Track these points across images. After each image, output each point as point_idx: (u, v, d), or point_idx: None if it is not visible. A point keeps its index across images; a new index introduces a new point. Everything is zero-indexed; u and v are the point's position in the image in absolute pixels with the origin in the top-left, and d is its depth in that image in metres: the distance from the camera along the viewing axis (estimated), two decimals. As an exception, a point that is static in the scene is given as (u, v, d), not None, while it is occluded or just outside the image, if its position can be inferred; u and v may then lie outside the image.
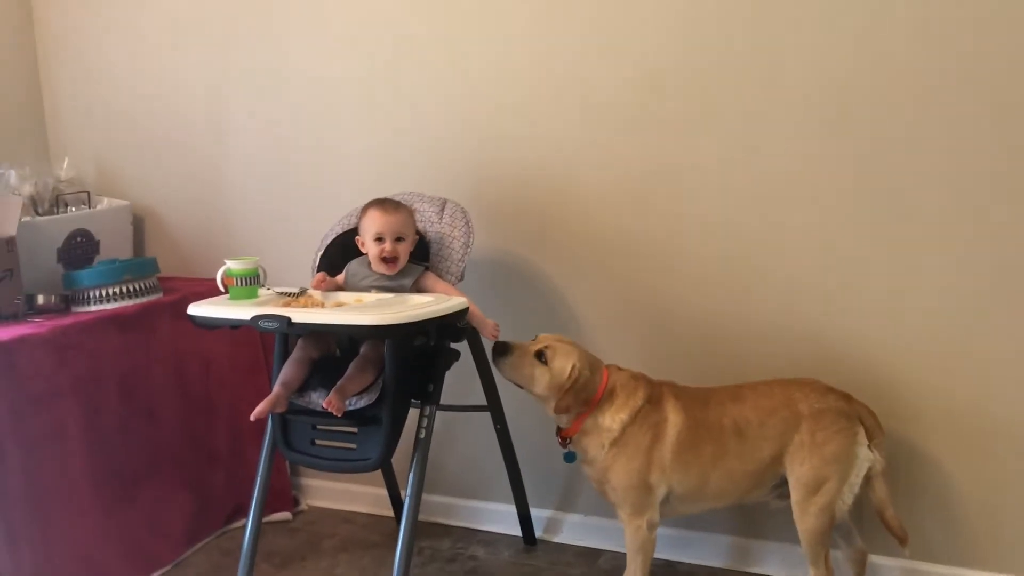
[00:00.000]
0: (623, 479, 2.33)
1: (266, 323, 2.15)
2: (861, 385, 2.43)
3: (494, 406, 2.70)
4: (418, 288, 2.41)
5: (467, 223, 2.54)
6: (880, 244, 2.44)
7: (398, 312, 2.14)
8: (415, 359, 2.34)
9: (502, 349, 2.36)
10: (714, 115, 2.54)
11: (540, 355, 2.34)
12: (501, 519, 2.99)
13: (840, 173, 2.45)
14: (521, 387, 2.39)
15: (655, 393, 2.37)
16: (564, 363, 2.32)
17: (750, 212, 2.55)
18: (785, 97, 2.46)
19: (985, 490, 2.45)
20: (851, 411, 2.32)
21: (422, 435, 2.33)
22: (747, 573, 2.69)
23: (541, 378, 2.34)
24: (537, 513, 2.93)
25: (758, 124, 2.50)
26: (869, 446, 2.31)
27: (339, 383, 2.23)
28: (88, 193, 3.15)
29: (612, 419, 2.33)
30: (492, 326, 2.40)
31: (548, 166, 2.74)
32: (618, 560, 2.44)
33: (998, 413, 2.40)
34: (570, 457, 2.43)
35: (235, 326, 2.23)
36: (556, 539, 2.94)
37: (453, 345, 2.44)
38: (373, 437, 2.27)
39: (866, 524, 2.45)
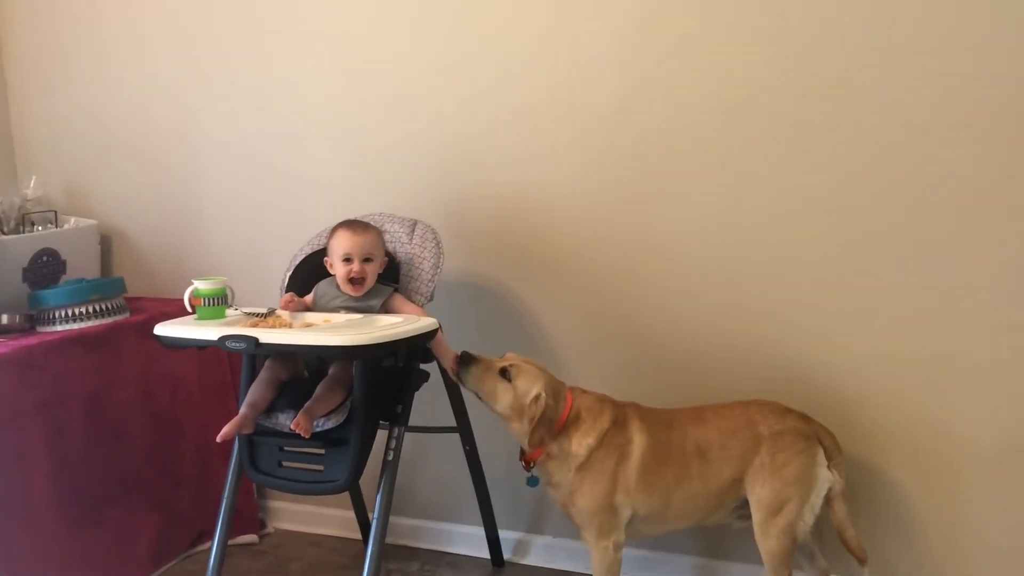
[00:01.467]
0: (589, 503, 2.33)
1: (233, 343, 2.14)
2: (820, 406, 2.46)
3: (463, 428, 2.70)
4: (386, 309, 2.40)
5: (437, 244, 2.55)
6: (842, 268, 2.48)
7: (367, 333, 2.14)
8: (384, 380, 2.34)
9: (467, 360, 2.37)
10: (686, 145, 2.57)
11: (505, 372, 2.34)
12: (469, 541, 2.98)
13: (805, 199, 2.48)
14: (482, 400, 2.40)
15: (620, 415, 2.38)
16: (528, 385, 2.32)
17: (717, 237, 2.58)
18: (755, 128, 2.50)
19: (944, 509, 2.48)
20: (810, 432, 2.35)
21: (390, 457, 2.32)
22: (714, 594, 2.70)
23: (504, 395, 2.33)
24: (506, 535, 2.93)
25: (727, 153, 2.54)
26: (829, 466, 2.34)
27: (307, 404, 2.23)
28: (55, 212, 3.13)
29: (578, 444, 2.33)
30: (453, 359, 2.39)
31: (520, 189, 2.76)
32: (586, 582, 2.44)
33: (956, 433, 2.44)
34: (533, 482, 2.43)
35: (202, 346, 2.22)
36: (525, 561, 2.94)
37: (422, 366, 2.44)
38: (341, 459, 2.26)
39: (827, 544, 2.47)
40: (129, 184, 3.28)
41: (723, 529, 2.52)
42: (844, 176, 2.44)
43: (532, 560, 2.93)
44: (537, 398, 2.30)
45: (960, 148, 2.33)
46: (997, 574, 2.45)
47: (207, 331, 2.21)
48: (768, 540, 2.32)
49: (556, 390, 2.35)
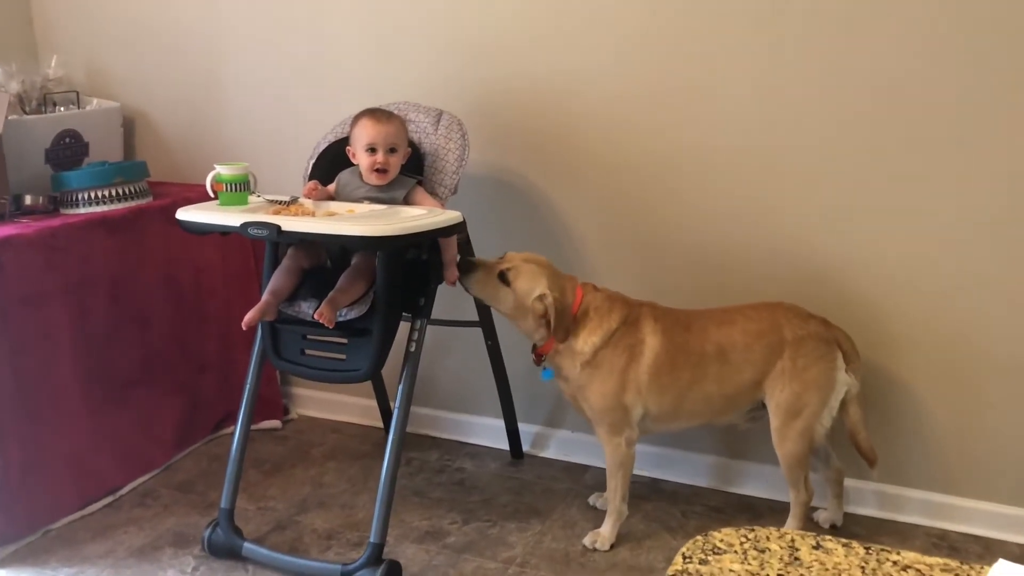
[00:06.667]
0: (599, 401, 2.34)
1: (256, 230, 2.12)
2: (840, 311, 2.44)
3: (485, 322, 2.70)
4: (408, 202, 2.37)
5: (463, 136, 2.49)
6: (869, 175, 2.42)
7: (391, 224, 2.11)
8: (407, 272, 2.33)
9: (467, 267, 2.35)
10: (722, 39, 2.48)
11: (503, 276, 2.32)
12: (489, 433, 3.02)
13: (841, 100, 2.41)
14: (487, 303, 2.39)
15: (632, 314, 2.36)
16: (528, 285, 2.31)
17: (749, 135, 2.51)
18: (792, 26, 2.41)
19: (959, 417, 2.48)
20: (830, 337, 2.34)
21: (412, 348, 2.33)
22: (730, 493, 2.73)
23: (505, 298, 2.33)
24: (525, 428, 2.96)
25: (764, 50, 2.45)
26: (846, 370, 2.33)
27: (330, 295, 2.22)
28: (77, 93, 3.08)
29: (584, 342, 2.33)
30: (454, 272, 2.35)
31: (549, 81, 2.69)
32: (603, 476, 2.47)
33: (974, 341, 2.42)
34: (547, 373, 2.46)
35: (225, 232, 2.21)
36: (543, 454, 2.98)
37: (446, 259, 2.42)
38: (363, 349, 2.27)
39: (840, 446, 2.47)
40: (153, 65, 3.22)
41: (740, 429, 2.53)
42: (880, 78, 2.35)
43: (550, 453, 2.97)
44: (542, 297, 2.29)
45: (997, 56, 2.23)
46: (1006, 483, 2.46)
47: (229, 217, 2.19)
48: (786, 443, 2.33)
49: (561, 286, 2.33)
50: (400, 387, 2.31)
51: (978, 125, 2.30)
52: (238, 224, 2.14)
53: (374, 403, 3.03)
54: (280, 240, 2.22)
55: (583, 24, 2.61)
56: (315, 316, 2.18)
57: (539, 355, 2.40)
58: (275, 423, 3.18)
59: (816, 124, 2.44)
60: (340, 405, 3.23)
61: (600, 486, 2.63)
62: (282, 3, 2.97)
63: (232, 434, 2.49)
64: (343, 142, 2.48)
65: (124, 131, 3.19)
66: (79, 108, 3.05)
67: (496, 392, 2.84)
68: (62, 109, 3.00)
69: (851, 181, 2.44)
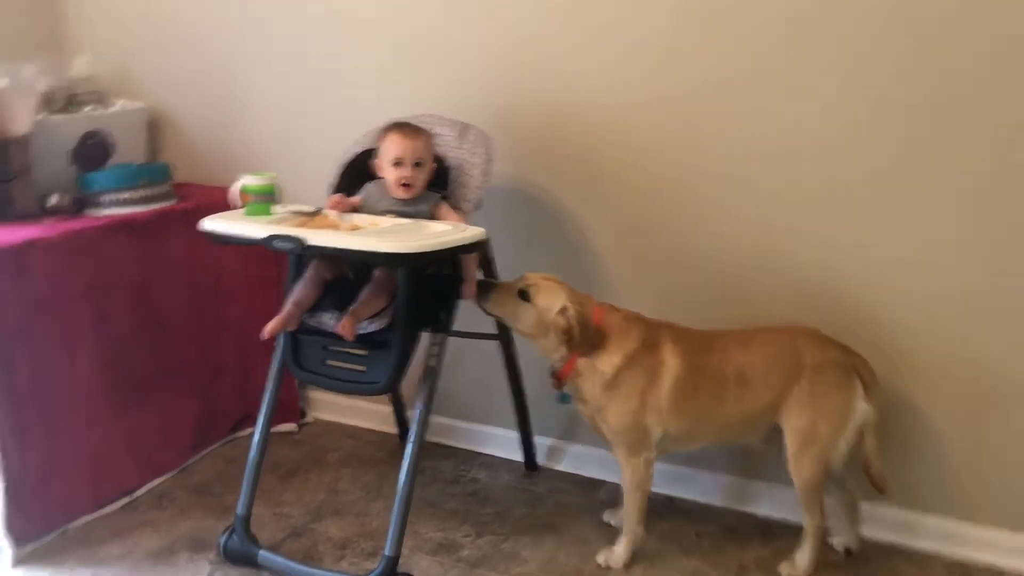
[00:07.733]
0: (618, 421, 2.34)
1: (281, 243, 2.12)
2: (859, 335, 2.43)
3: (504, 335, 2.70)
4: (432, 217, 2.37)
5: (487, 150, 2.49)
6: (891, 199, 2.41)
7: (415, 240, 2.11)
8: (428, 286, 2.33)
9: (486, 287, 2.35)
10: (741, 60, 2.47)
11: (524, 293, 2.32)
12: (504, 444, 3.02)
13: (856, 122, 2.40)
14: (506, 323, 2.39)
15: (651, 336, 2.35)
16: (549, 301, 2.31)
17: (769, 158, 2.50)
18: (808, 44, 2.40)
19: (976, 443, 2.47)
20: (849, 364, 2.33)
21: (432, 363, 2.33)
22: (744, 513, 2.73)
23: (525, 315, 2.33)
24: (540, 440, 2.96)
25: (782, 71, 2.44)
26: (865, 398, 2.32)
27: (352, 307, 2.23)
28: (102, 93, 3.08)
29: (606, 362, 2.32)
30: (473, 289, 2.36)
31: (573, 95, 2.68)
32: (617, 491, 2.47)
33: (993, 368, 2.41)
34: (565, 398, 2.45)
35: (249, 244, 2.21)
36: (557, 467, 2.98)
37: (468, 274, 2.42)
38: (383, 361, 2.27)
39: (857, 472, 2.46)
40: (177, 67, 3.22)
41: (758, 449, 2.52)
42: (899, 98, 2.34)
43: (565, 466, 2.97)
44: (564, 310, 2.29)
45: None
46: (1029, 512, 2.45)
47: (255, 228, 2.19)
48: (802, 469, 2.32)
49: (581, 301, 2.33)
50: (418, 403, 2.32)
51: (999, 148, 2.28)
52: (263, 236, 2.15)
53: (390, 409, 3.03)
54: (305, 254, 2.23)
55: (608, 39, 2.60)
56: (337, 329, 2.19)
57: (559, 379, 2.39)
58: (291, 426, 3.19)
59: (839, 145, 2.43)
60: (356, 410, 3.24)
61: (613, 502, 2.63)
62: (309, 11, 2.97)
63: (249, 436, 2.51)
64: (369, 153, 2.48)
65: (148, 132, 3.19)
66: (104, 108, 3.05)
67: (512, 403, 2.84)
68: (88, 109, 3.00)
69: (873, 206, 2.43)
